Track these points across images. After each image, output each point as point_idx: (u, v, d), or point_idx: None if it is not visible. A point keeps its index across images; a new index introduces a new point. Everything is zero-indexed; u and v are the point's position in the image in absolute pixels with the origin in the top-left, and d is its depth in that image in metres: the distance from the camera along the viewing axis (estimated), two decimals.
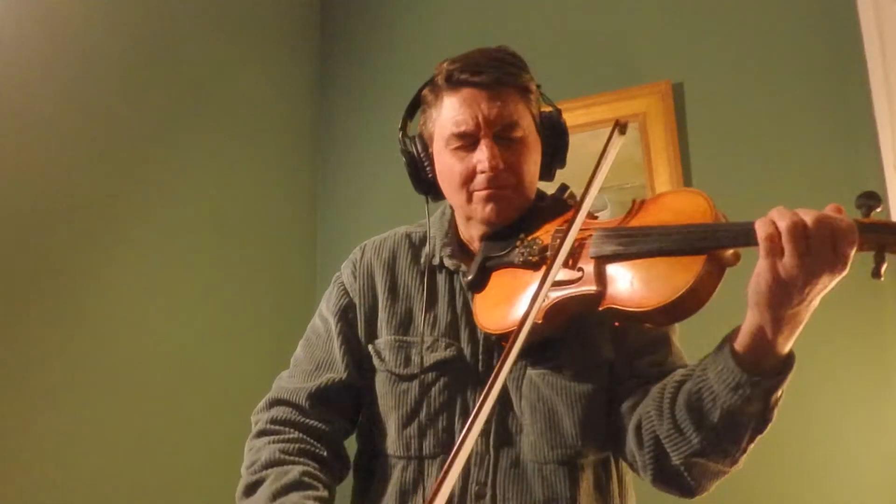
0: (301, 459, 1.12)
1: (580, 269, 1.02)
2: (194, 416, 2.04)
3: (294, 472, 1.08)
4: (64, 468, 1.72)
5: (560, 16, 2.38)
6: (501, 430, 1.10)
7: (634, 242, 0.98)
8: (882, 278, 0.85)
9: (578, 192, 1.07)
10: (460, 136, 1.11)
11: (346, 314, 1.22)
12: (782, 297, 0.85)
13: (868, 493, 1.80)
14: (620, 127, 1.04)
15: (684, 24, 2.21)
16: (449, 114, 1.12)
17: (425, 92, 1.19)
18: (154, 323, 1.99)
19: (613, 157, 1.03)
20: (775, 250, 0.84)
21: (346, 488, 1.25)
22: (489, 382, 0.88)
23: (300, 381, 1.21)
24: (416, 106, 1.22)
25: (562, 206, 1.15)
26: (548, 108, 1.20)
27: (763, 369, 0.91)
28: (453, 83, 1.12)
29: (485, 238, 1.17)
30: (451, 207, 1.25)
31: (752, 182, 2.02)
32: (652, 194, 2.12)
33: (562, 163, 1.22)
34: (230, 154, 2.32)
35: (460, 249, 1.22)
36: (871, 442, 1.81)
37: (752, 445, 0.98)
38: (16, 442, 1.64)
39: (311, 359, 1.23)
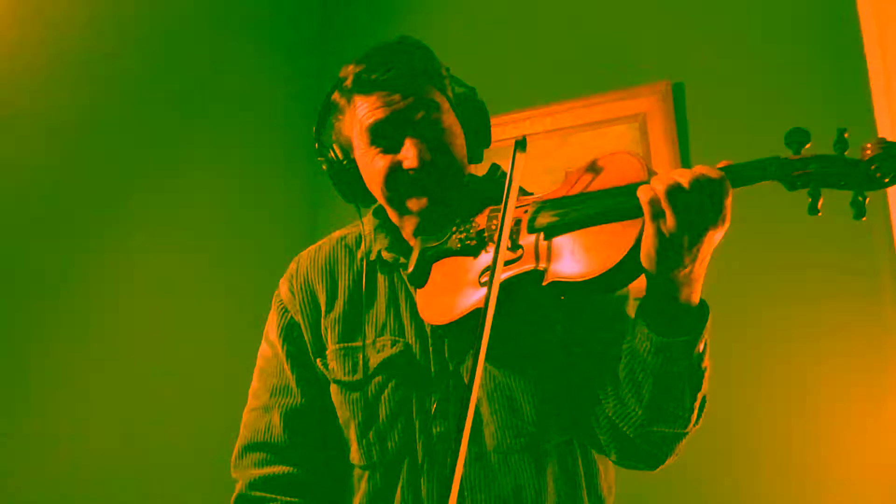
0: None
1: (520, 248, 0.99)
2: (194, 416, 2.04)
3: None
4: (63, 469, 1.72)
5: (560, 16, 2.38)
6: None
7: (569, 212, 0.96)
8: (820, 213, 0.85)
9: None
10: (382, 135, 1.08)
11: (290, 334, 1.19)
12: (673, 258, 0.87)
13: (868, 492, 1.80)
14: (520, 144, 1.00)
15: (684, 24, 2.21)
16: (365, 115, 1.08)
17: (335, 97, 1.15)
18: (154, 323, 1.99)
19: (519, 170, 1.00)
20: (658, 213, 0.86)
21: None
22: (469, 381, 0.84)
23: (262, 415, 1.18)
24: (327, 113, 1.18)
25: (495, 185, 1.11)
26: (461, 91, 1.18)
27: (679, 327, 0.92)
28: (364, 84, 1.08)
29: (419, 230, 1.14)
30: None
31: None
32: None
33: (486, 142, 1.19)
34: (230, 154, 2.31)
35: (397, 241, 1.19)
36: (871, 441, 1.80)
37: (698, 403, 0.97)
38: (15, 442, 1.64)
39: (266, 388, 1.20)
